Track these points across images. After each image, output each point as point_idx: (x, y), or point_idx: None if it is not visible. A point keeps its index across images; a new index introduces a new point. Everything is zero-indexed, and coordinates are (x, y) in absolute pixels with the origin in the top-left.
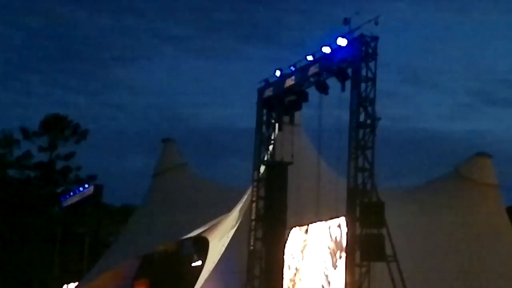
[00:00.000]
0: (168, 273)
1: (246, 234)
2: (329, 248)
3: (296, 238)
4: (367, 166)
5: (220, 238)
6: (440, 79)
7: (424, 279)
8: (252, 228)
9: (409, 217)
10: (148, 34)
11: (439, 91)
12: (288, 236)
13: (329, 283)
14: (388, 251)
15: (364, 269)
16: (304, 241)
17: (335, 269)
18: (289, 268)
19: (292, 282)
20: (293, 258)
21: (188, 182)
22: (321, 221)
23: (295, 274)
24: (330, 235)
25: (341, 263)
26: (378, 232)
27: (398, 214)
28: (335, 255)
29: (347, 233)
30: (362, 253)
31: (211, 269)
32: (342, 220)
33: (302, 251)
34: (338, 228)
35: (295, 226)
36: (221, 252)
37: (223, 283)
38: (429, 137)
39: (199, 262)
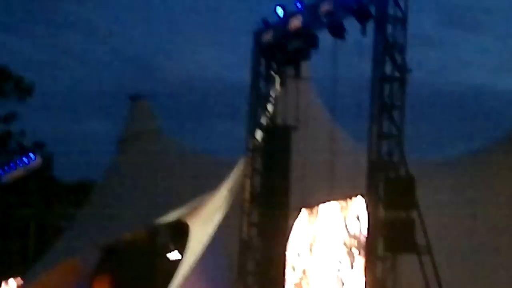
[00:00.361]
0: (137, 268)
1: (237, 219)
2: (345, 244)
3: (302, 230)
4: (394, 131)
5: (203, 224)
6: (487, 20)
7: (466, 276)
8: (245, 211)
9: (448, 196)
10: None
11: (486, 35)
12: (292, 223)
13: (342, 284)
14: (420, 240)
15: (388, 264)
16: (314, 236)
17: (352, 269)
18: (294, 270)
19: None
20: (299, 256)
21: (163, 151)
22: (335, 200)
23: (301, 279)
24: (347, 229)
25: (360, 262)
26: (407, 215)
27: (433, 193)
28: (352, 253)
29: (368, 217)
30: (387, 242)
31: (192, 263)
32: (360, 202)
33: (310, 248)
34: (357, 220)
35: (301, 208)
36: (205, 242)
37: (208, 281)
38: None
39: (176, 254)
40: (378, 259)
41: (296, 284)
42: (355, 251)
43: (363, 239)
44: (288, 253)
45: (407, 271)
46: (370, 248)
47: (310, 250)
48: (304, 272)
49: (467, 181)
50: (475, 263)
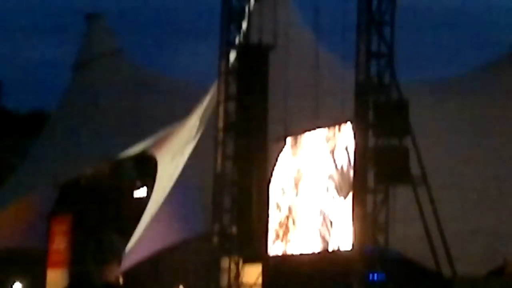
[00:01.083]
0: (99, 207)
1: (211, 150)
2: (332, 178)
3: (285, 163)
4: (384, 50)
5: (172, 157)
6: None
7: (465, 207)
8: (220, 141)
9: (444, 120)
10: None
11: None
12: (273, 155)
13: (330, 224)
14: (414, 170)
15: (380, 196)
16: (299, 171)
17: (339, 204)
18: (279, 208)
19: (283, 228)
20: (284, 192)
21: (124, 76)
22: (319, 128)
23: (287, 217)
24: (334, 161)
25: (349, 196)
26: (400, 143)
27: (429, 117)
28: (340, 188)
29: (355, 145)
30: (378, 173)
31: (162, 200)
32: (349, 131)
33: (296, 183)
34: (345, 151)
35: (282, 138)
36: (175, 177)
37: (179, 221)
38: (473, 8)
39: (143, 191)
40: (369, 192)
41: (280, 223)
42: (343, 185)
43: (352, 172)
44: (271, 189)
45: (401, 204)
46: (359, 180)
47: (296, 185)
48: (289, 209)
49: (465, 104)
50: (477, 193)
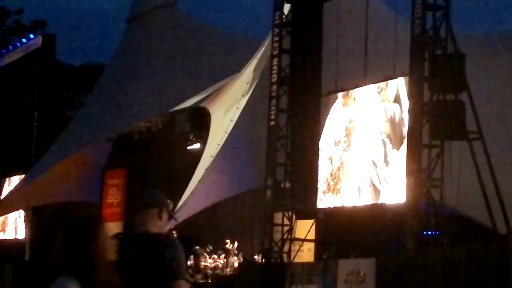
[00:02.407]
0: (153, 160)
1: (264, 104)
2: (384, 130)
3: (337, 116)
4: (440, 2)
5: (226, 110)
6: None
7: None
8: (273, 95)
9: (502, 75)
10: None
11: None
12: (326, 109)
13: (382, 177)
14: (470, 125)
15: (435, 151)
16: (351, 121)
17: (386, 165)
18: (330, 159)
19: (333, 179)
20: (337, 144)
21: (179, 29)
22: (371, 84)
23: (338, 168)
24: (386, 114)
25: (401, 151)
26: (456, 98)
27: (485, 72)
28: (391, 141)
29: (410, 100)
30: (433, 129)
31: (215, 154)
32: (401, 84)
33: (348, 135)
34: (398, 104)
35: (334, 92)
36: (229, 130)
37: (232, 174)
38: None
39: (197, 145)
40: (424, 146)
41: (332, 174)
42: (394, 138)
43: (404, 126)
44: (323, 141)
45: (456, 160)
46: (414, 135)
47: (348, 136)
48: (341, 161)
49: None
50: None
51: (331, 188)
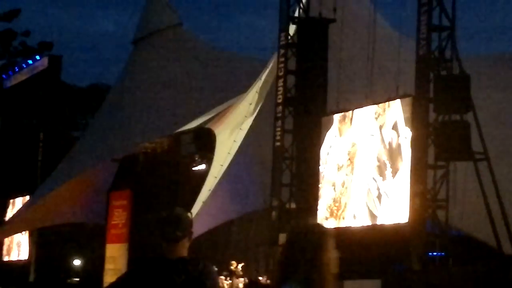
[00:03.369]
0: (158, 181)
1: (270, 125)
2: (382, 155)
3: (337, 138)
4: (446, 22)
5: (231, 131)
6: None
7: None
8: (279, 115)
9: (508, 94)
10: None
11: None
12: (326, 131)
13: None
14: (476, 146)
15: (440, 172)
16: (353, 145)
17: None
18: (333, 186)
19: (336, 204)
20: (340, 169)
21: (184, 50)
22: (375, 104)
23: (342, 193)
24: (382, 137)
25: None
26: (462, 118)
27: (490, 92)
28: (385, 167)
29: (414, 120)
30: (439, 149)
31: (220, 175)
32: (398, 107)
33: (351, 160)
34: (394, 131)
35: (336, 112)
36: (234, 151)
37: (237, 195)
38: None
39: (202, 166)
40: (429, 167)
41: (335, 200)
42: (391, 163)
43: (400, 153)
44: (326, 166)
45: (461, 181)
46: (419, 156)
47: (351, 162)
48: (344, 187)
49: None
50: None
51: (334, 214)
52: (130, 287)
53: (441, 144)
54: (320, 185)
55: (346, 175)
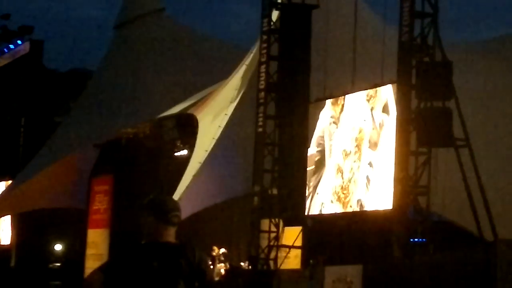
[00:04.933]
0: (140, 167)
1: (252, 111)
2: (373, 138)
3: (326, 124)
4: (428, 9)
5: (214, 116)
6: None
7: (507, 169)
8: (261, 101)
9: (488, 82)
10: None
11: None
12: (317, 116)
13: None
14: (457, 132)
15: (422, 158)
16: (360, 131)
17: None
18: (340, 172)
19: (344, 192)
20: (348, 156)
21: (167, 35)
22: (360, 90)
23: (349, 181)
24: (373, 120)
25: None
26: (444, 105)
27: (472, 79)
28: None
29: (397, 107)
30: (421, 135)
31: (203, 160)
32: (389, 92)
33: (359, 146)
34: (385, 114)
35: (322, 99)
36: (216, 136)
37: (220, 180)
38: None
39: (184, 151)
40: (411, 154)
41: (342, 187)
42: (382, 145)
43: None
44: (333, 151)
45: (443, 166)
46: (401, 143)
47: (359, 149)
48: (352, 172)
49: (510, 66)
50: None
51: (341, 200)
52: (137, 269)
53: (423, 131)
54: (309, 169)
55: (354, 161)
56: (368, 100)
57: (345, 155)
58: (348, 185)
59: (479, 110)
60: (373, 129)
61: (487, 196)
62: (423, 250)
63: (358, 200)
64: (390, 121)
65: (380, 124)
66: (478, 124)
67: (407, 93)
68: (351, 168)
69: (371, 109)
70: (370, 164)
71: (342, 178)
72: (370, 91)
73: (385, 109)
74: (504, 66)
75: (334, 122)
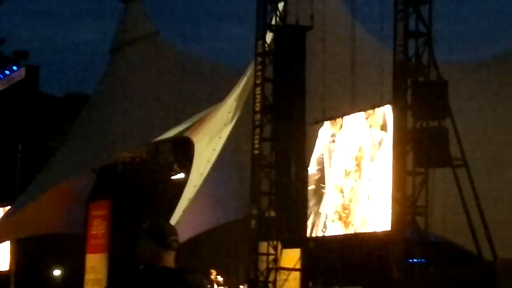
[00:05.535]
0: (137, 191)
1: (248, 133)
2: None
3: (324, 145)
4: (422, 29)
5: (209, 140)
6: None
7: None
8: (257, 123)
9: (484, 102)
10: None
11: None
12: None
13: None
14: (454, 152)
15: (419, 178)
16: (360, 149)
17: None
18: (341, 192)
19: (345, 211)
20: (348, 175)
21: (161, 59)
22: (359, 112)
23: (350, 200)
24: (373, 139)
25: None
26: (440, 125)
27: (468, 98)
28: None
29: (393, 127)
30: (418, 155)
31: (199, 184)
32: (388, 111)
33: (359, 165)
34: (382, 131)
35: (321, 121)
36: (212, 160)
37: (217, 204)
38: None
39: (181, 174)
40: (408, 174)
41: (343, 205)
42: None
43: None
44: (331, 172)
45: (440, 187)
46: (398, 163)
47: (359, 168)
48: (353, 191)
49: (506, 85)
50: None
51: (343, 219)
52: None
53: (420, 151)
54: (310, 188)
55: (355, 180)
56: (367, 118)
57: (346, 174)
58: (349, 204)
59: (476, 129)
60: (372, 146)
61: (485, 216)
62: (422, 270)
63: (362, 218)
64: (388, 139)
65: (379, 142)
66: (474, 143)
67: (403, 113)
68: (352, 188)
69: (370, 127)
70: (370, 181)
71: (343, 198)
72: (369, 111)
73: (383, 127)
74: (499, 85)
75: (333, 141)
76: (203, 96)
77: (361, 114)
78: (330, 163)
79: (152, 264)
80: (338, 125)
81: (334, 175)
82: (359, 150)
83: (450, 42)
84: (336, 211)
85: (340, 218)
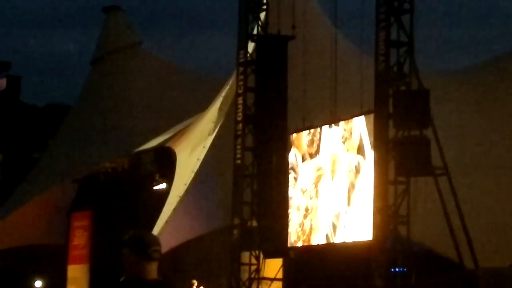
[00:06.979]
0: (119, 201)
1: (230, 143)
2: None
3: (305, 162)
4: (403, 38)
5: (192, 149)
6: None
7: (486, 196)
8: (239, 133)
9: (465, 111)
10: None
11: None
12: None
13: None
14: (436, 161)
15: (401, 188)
16: (319, 169)
17: (349, 206)
18: (298, 209)
19: (301, 229)
20: (304, 193)
21: (144, 68)
22: (338, 122)
23: (305, 216)
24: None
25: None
26: (421, 134)
27: (449, 107)
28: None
29: (374, 136)
30: (399, 164)
31: (181, 194)
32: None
33: (316, 184)
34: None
35: (301, 130)
36: (195, 170)
37: (199, 214)
38: None
39: (163, 185)
40: (390, 183)
41: (300, 224)
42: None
43: (366, 163)
44: (292, 190)
45: (422, 195)
46: (379, 172)
47: (316, 185)
48: (308, 211)
49: (487, 94)
50: (499, 185)
51: (301, 239)
52: None
53: (401, 160)
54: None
55: (311, 198)
56: (344, 142)
57: (302, 193)
58: (304, 223)
59: (457, 138)
60: (349, 171)
61: (466, 224)
62: (404, 279)
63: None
64: (367, 163)
65: (356, 167)
66: (456, 153)
67: (384, 122)
68: (307, 206)
69: (347, 151)
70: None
71: (299, 216)
72: (345, 133)
73: (360, 151)
74: (479, 94)
75: (301, 161)
76: (185, 105)
77: (338, 136)
78: (294, 180)
79: (133, 275)
80: (315, 148)
81: (295, 193)
82: (317, 170)
83: (431, 52)
84: (295, 230)
85: (298, 239)
